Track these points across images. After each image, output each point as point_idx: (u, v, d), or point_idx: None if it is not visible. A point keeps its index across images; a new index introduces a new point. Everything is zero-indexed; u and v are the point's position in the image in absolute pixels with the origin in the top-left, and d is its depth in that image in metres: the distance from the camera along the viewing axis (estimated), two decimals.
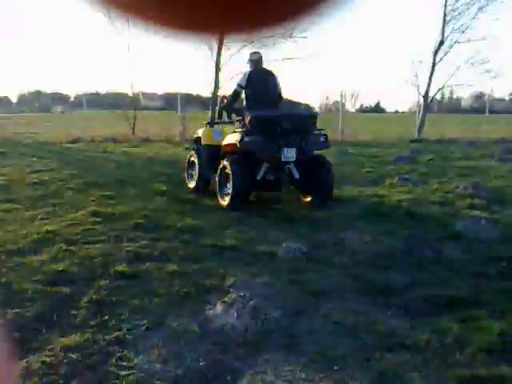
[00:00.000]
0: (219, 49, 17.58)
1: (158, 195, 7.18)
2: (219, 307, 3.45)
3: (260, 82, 6.82)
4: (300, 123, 6.42)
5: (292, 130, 6.22)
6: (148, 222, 5.62)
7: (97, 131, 18.45)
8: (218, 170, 6.66)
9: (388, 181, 8.61)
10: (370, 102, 78.05)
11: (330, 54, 65.38)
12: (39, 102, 71.98)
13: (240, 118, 6.69)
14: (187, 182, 7.89)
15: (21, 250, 4.46)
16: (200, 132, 7.64)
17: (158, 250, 4.58)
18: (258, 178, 6.46)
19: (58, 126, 22.92)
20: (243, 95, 6.86)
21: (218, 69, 19.08)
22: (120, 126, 19.10)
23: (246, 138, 6.15)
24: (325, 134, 6.53)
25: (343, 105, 22.58)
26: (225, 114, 7.39)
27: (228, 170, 6.37)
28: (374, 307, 3.50)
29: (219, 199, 6.67)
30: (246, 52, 7.87)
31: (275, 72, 7.06)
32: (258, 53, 7.05)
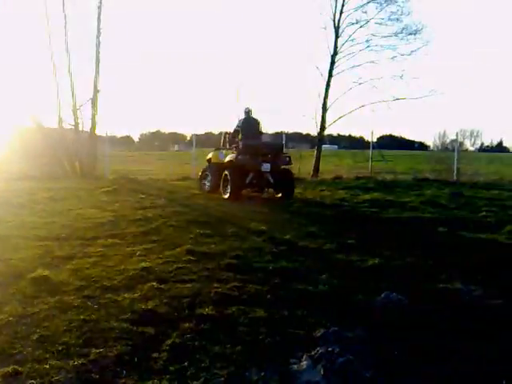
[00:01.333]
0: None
1: (255, 235, 7.14)
2: (304, 362, 3.20)
3: (249, 124, 11.77)
4: (272, 149, 11.58)
5: (268, 152, 11.32)
6: (241, 262, 5.55)
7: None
8: (222, 177, 11.36)
9: (509, 227, 7.71)
10: (491, 140, 73.01)
11: (448, 90, 62.54)
12: (158, 141, 78.02)
13: (235, 145, 11.63)
14: (202, 187, 12.84)
15: (115, 287, 4.58)
16: (210, 155, 12.84)
17: (247, 293, 4.46)
18: (247, 182, 11.26)
19: (172, 164, 24.41)
20: (240, 132, 11.70)
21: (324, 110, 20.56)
22: None
23: (240, 157, 11.04)
24: (288, 156, 11.58)
25: (460, 144, 21.36)
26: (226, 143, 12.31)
27: (228, 177, 11.12)
28: None
29: (222, 194, 11.35)
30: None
31: (259, 118, 12.07)
32: (248, 107, 12.01)
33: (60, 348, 3.30)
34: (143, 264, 5.33)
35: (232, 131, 11.99)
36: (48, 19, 19.70)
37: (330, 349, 3.24)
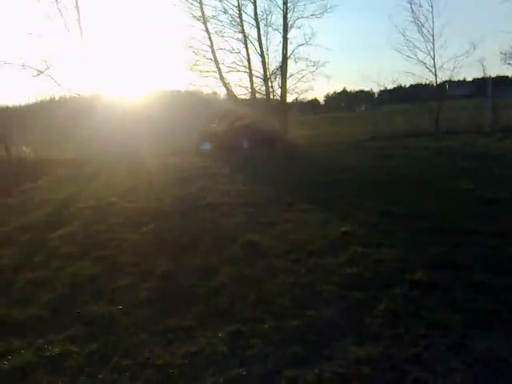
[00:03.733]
0: None
1: (459, 194, 6.63)
2: None
3: None
4: None
5: None
6: (448, 224, 5.22)
7: (398, 126, 18.58)
8: None
9: None
10: None
11: None
12: (344, 102, 76.59)
13: None
14: None
15: (319, 251, 4.75)
16: None
17: (461, 257, 4.18)
18: None
19: (359, 123, 24.03)
20: None
21: None
22: (422, 119, 18.71)
23: None
24: None
25: None
26: None
27: None
28: None
29: None
30: None
31: None
32: None
33: (275, 309, 3.55)
34: (343, 229, 5.38)
35: None
36: None
37: None
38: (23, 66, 18.06)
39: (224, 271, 4.39)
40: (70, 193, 9.81)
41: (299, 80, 21.65)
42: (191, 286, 4.11)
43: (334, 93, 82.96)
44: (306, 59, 21.45)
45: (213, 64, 21.55)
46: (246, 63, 21.44)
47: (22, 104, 23.90)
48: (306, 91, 22.37)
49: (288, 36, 21.21)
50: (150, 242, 5.64)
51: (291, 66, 21.87)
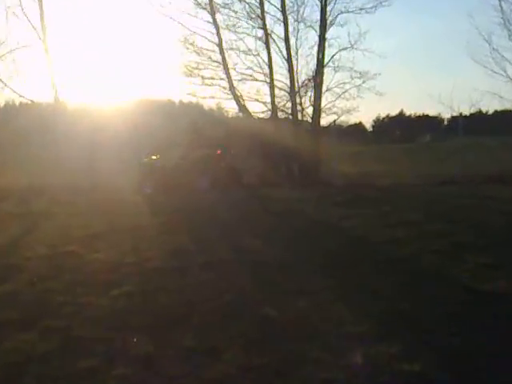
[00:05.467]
0: None
1: None
2: None
3: None
4: None
5: None
6: None
7: (479, 167, 18.47)
8: None
9: None
10: None
11: None
12: (400, 129, 74.90)
13: None
14: None
15: None
16: None
17: None
18: None
19: (424, 160, 23.97)
20: None
21: None
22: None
23: None
24: None
25: None
26: None
27: None
28: None
29: None
30: None
31: None
32: None
33: None
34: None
35: None
36: None
37: None
38: None
39: (228, 357, 4.36)
40: (13, 237, 9.92)
41: (339, 96, 21.58)
42: (181, 377, 4.06)
43: (387, 117, 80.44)
44: (351, 69, 21.49)
45: (220, 68, 21.76)
46: (267, 70, 21.69)
47: None
48: (349, 112, 22.25)
49: (326, 36, 21.57)
50: (123, 310, 5.63)
51: (329, 77, 21.77)
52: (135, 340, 4.78)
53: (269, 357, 4.36)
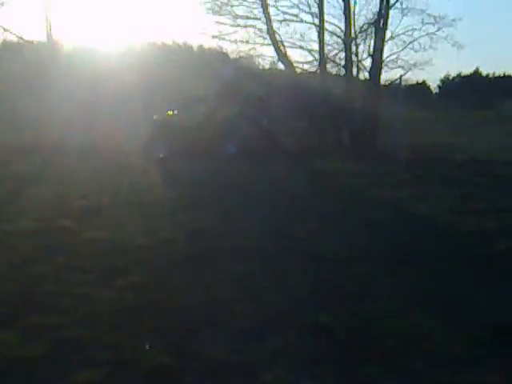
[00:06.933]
0: None
1: None
2: None
3: None
4: None
5: None
6: None
7: None
8: None
9: None
10: None
11: None
12: (475, 92, 73.39)
13: None
14: None
15: None
16: None
17: None
18: None
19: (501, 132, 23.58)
20: None
21: None
22: None
23: None
24: None
25: None
26: None
27: None
28: None
29: None
30: None
31: None
32: None
33: None
34: None
35: None
36: None
37: None
38: None
39: (269, 377, 4.12)
40: None
41: (406, 46, 21.23)
42: None
43: (458, 76, 78.78)
44: (423, 12, 21.08)
45: (257, 5, 21.36)
46: (316, 9, 21.20)
47: None
48: (418, 66, 21.90)
49: None
50: (131, 306, 5.42)
51: (395, 22, 21.37)
52: (148, 347, 4.59)
53: (324, 381, 4.15)
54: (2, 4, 20.87)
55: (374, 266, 6.89)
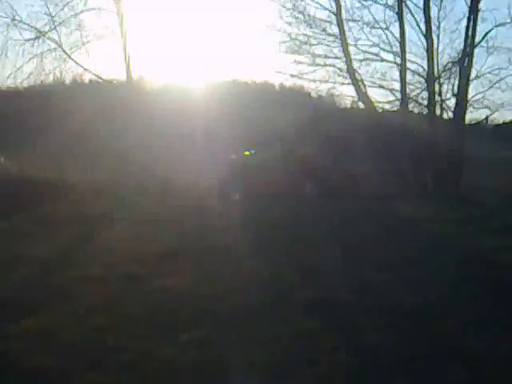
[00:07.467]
0: None
1: None
2: None
3: None
4: None
5: None
6: None
7: None
8: None
9: None
10: None
11: None
12: None
13: None
14: None
15: None
16: None
17: None
18: None
19: None
20: None
21: None
22: None
23: None
24: None
25: None
26: None
27: None
28: None
29: None
30: None
31: None
32: None
33: None
34: None
35: None
36: None
37: None
38: (14, 20, 18.95)
39: None
40: (62, 248, 9.68)
41: (493, 85, 20.59)
42: None
43: None
44: (509, 50, 20.49)
45: (337, 44, 21.14)
46: (398, 48, 20.78)
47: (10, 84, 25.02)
48: (509, 106, 21.25)
49: (479, 7, 20.42)
50: (194, 366, 4.99)
51: (480, 61, 20.62)
52: None
53: None
54: (84, 44, 21.11)
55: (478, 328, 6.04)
